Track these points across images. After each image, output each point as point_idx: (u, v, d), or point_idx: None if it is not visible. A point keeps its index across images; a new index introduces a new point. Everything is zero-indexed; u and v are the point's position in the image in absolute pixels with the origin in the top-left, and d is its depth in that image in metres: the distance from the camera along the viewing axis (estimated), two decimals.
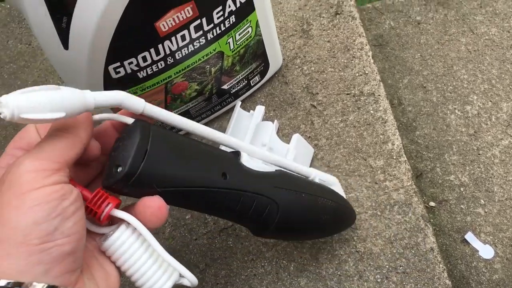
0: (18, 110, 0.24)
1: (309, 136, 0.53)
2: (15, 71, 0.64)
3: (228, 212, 0.36)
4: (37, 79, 0.63)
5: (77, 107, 0.28)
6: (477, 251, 0.59)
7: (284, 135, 0.54)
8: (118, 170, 0.29)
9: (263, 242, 0.49)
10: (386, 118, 0.53)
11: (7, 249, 0.24)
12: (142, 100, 0.32)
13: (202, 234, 0.50)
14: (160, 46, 0.42)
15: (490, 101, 0.69)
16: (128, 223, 0.31)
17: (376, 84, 0.55)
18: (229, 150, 0.38)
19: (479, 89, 0.70)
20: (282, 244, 0.48)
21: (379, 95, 0.54)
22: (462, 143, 0.66)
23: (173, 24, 0.41)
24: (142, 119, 0.32)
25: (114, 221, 0.32)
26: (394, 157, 0.51)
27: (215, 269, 0.48)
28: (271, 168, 0.39)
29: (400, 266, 0.46)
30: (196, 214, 0.51)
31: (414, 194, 0.49)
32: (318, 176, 0.45)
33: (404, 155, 0.51)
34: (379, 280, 0.45)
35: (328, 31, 0.58)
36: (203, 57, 0.46)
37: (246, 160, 0.37)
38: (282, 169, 0.42)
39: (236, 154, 0.37)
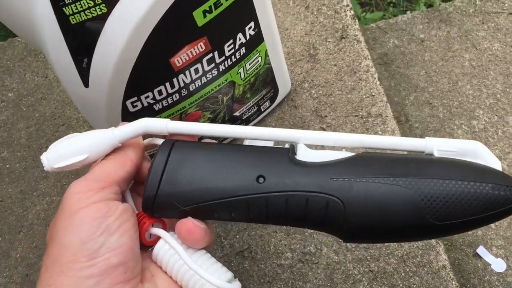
0: (50, 163, 0.28)
1: None
2: (33, 103, 0.66)
3: (281, 219, 0.30)
4: (55, 110, 0.65)
5: (100, 145, 0.31)
6: (489, 264, 0.60)
7: None
8: (144, 195, 0.30)
9: (279, 264, 0.50)
10: None
11: (60, 267, 0.27)
12: (164, 120, 0.33)
13: (218, 257, 0.51)
14: (175, 79, 0.44)
15: (496, 115, 0.70)
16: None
17: (383, 105, 0.56)
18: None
19: (485, 104, 0.71)
20: (297, 265, 0.50)
21: (386, 116, 0.56)
22: None
23: (187, 59, 0.43)
24: (170, 139, 0.33)
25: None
26: None
27: None
28: (346, 155, 0.31)
29: (414, 285, 0.47)
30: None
31: None
32: (437, 146, 0.30)
33: None
34: None
35: (335, 55, 0.60)
36: (215, 87, 0.48)
37: (304, 152, 0.30)
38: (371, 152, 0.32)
39: (291, 148, 0.31)
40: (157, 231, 0.32)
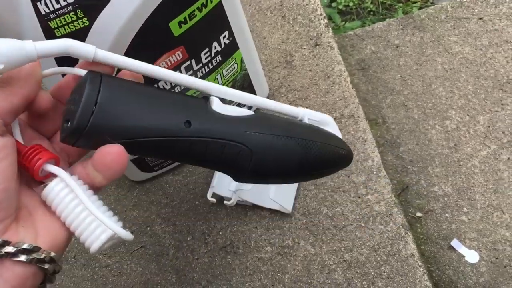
0: None
1: None
2: None
3: (197, 160, 0.34)
4: None
5: (16, 57, 0.28)
6: (463, 256, 0.63)
7: None
8: (68, 124, 0.29)
9: (259, 258, 0.53)
10: (366, 137, 0.58)
11: None
12: (93, 46, 0.31)
13: (203, 253, 0.55)
14: (155, 86, 0.48)
15: (468, 115, 0.74)
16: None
17: (355, 107, 0.60)
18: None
19: (457, 105, 0.75)
20: (276, 258, 0.53)
21: (358, 116, 0.59)
22: (444, 156, 0.71)
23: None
24: (94, 71, 0.31)
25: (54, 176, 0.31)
26: (375, 172, 0.56)
27: (216, 285, 0.52)
28: (248, 112, 0.36)
29: (385, 272, 0.50)
30: (197, 235, 0.56)
31: (394, 206, 0.54)
32: (308, 115, 0.41)
33: (383, 170, 0.56)
34: (365, 286, 0.49)
35: (310, 61, 0.64)
36: (194, 93, 0.51)
37: (218, 105, 0.35)
38: (263, 112, 0.40)
39: (206, 99, 0.36)
40: (55, 169, 0.30)
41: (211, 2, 0.45)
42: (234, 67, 0.53)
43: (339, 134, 0.43)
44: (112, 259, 0.57)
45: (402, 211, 0.54)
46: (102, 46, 0.42)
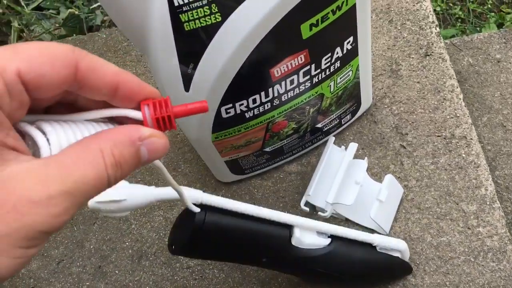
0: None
1: (399, 177, 0.54)
2: None
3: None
4: None
5: (139, 196, 0.38)
6: None
7: (373, 174, 0.55)
8: (172, 248, 0.40)
9: None
10: (479, 162, 0.53)
11: None
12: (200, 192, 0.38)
13: None
14: (270, 89, 0.44)
15: None
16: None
17: (468, 128, 0.55)
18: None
19: None
20: None
21: (471, 138, 0.54)
22: None
23: (286, 70, 0.43)
24: (204, 209, 0.38)
25: None
26: (488, 202, 0.51)
27: None
28: (324, 242, 0.43)
29: None
30: None
31: (508, 242, 0.49)
32: (381, 243, 0.46)
33: (497, 201, 0.51)
34: None
35: (418, 72, 0.59)
36: (305, 99, 0.48)
37: (298, 236, 0.41)
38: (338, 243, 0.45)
39: (289, 229, 0.42)
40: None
41: (346, 4, 0.41)
42: (349, 75, 0.49)
43: (407, 256, 0.49)
44: (194, 261, 0.55)
45: None
46: (231, 43, 0.39)
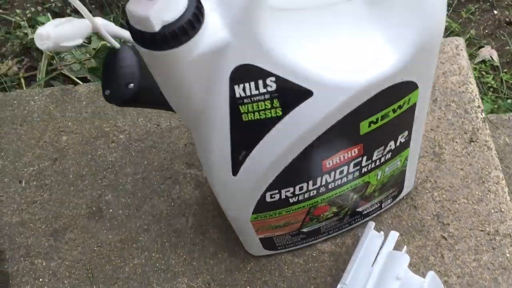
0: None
1: (439, 271, 0.52)
2: (143, 150, 0.66)
3: None
4: (163, 161, 0.65)
5: None
6: None
7: (411, 264, 0.53)
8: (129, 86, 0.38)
9: None
10: None
11: None
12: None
13: None
14: (319, 178, 0.43)
15: None
16: None
17: None
18: None
19: None
20: None
21: None
22: None
23: (338, 161, 0.42)
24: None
25: None
26: None
27: None
28: None
29: None
30: None
31: None
32: None
33: None
34: None
35: (462, 158, 0.58)
36: (351, 186, 0.46)
37: None
38: None
39: None
40: None
41: (408, 104, 0.40)
42: (397, 164, 0.48)
43: None
44: None
45: None
46: (288, 138, 0.38)
